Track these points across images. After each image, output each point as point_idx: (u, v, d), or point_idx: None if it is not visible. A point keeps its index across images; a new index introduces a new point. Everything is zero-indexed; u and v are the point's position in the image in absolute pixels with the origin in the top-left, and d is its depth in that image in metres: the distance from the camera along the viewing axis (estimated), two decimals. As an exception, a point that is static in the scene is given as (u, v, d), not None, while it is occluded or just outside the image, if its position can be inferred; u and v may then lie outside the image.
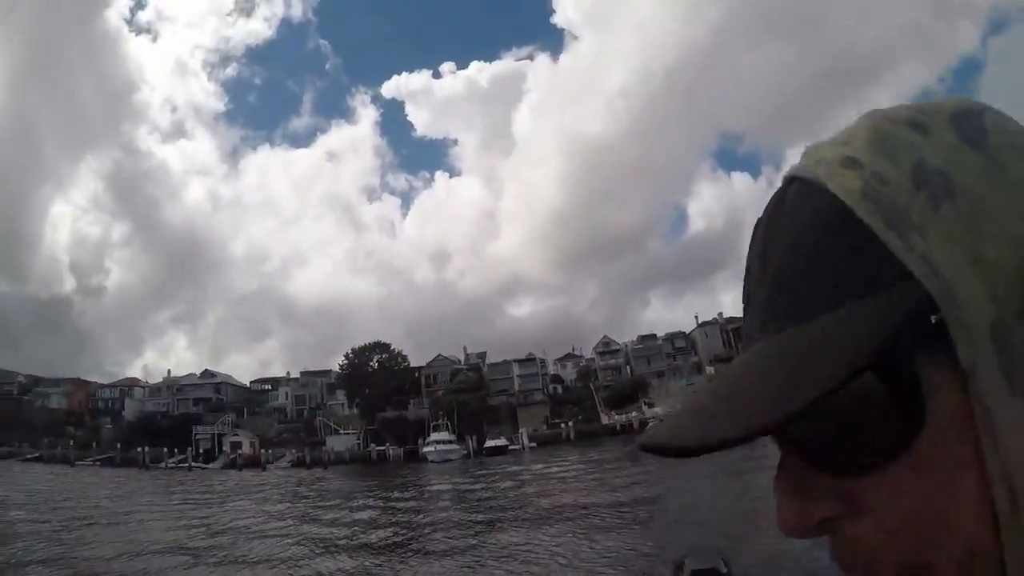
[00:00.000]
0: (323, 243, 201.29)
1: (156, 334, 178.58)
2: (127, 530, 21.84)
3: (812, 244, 0.42)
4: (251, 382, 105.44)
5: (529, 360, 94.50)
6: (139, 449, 74.98)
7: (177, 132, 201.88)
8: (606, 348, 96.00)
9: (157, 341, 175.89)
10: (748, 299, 0.48)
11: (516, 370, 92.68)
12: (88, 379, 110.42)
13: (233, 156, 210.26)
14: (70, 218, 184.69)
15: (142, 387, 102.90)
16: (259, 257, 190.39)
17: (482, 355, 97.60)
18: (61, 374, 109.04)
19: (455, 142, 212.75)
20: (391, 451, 68.85)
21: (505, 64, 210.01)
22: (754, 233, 0.49)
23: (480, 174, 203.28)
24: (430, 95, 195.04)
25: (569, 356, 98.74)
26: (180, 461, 72.32)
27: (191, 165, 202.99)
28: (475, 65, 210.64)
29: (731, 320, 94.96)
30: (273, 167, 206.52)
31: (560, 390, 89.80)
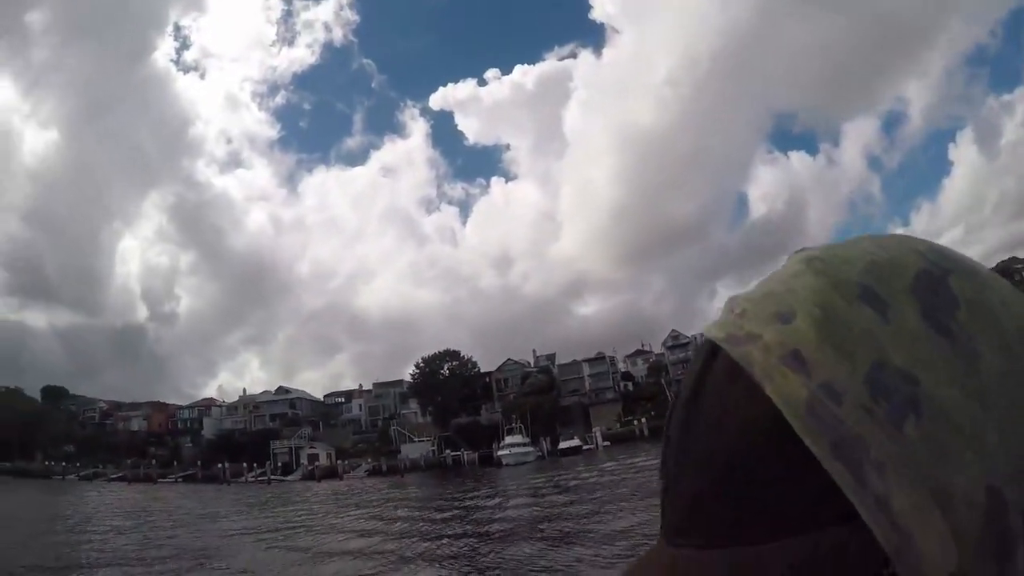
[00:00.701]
0: (386, 257, 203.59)
1: (229, 355, 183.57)
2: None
3: (743, 464, 0.36)
4: (325, 396, 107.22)
5: (599, 359, 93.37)
6: (219, 465, 76.90)
7: (234, 162, 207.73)
8: (675, 342, 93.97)
9: (230, 362, 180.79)
10: (668, 477, 0.41)
11: (586, 370, 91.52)
12: (167, 401, 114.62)
13: (291, 180, 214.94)
14: (139, 251, 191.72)
15: (219, 406, 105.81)
16: (325, 275, 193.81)
17: (551, 356, 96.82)
18: (140, 398, 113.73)
19: (507, 147, 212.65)
20: (465, 456, 68.86)
21: (549, 64, 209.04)
22: (672, 408, 0.42)
23: (535, 176, 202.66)
24: (478, 103, 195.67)
25: (639, 352, 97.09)
26: (260, 475, 73.80)
27: (251, 192, 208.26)
28: (519, 69, 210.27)
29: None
30: (331, 187, 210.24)
31: (631, 387, 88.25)
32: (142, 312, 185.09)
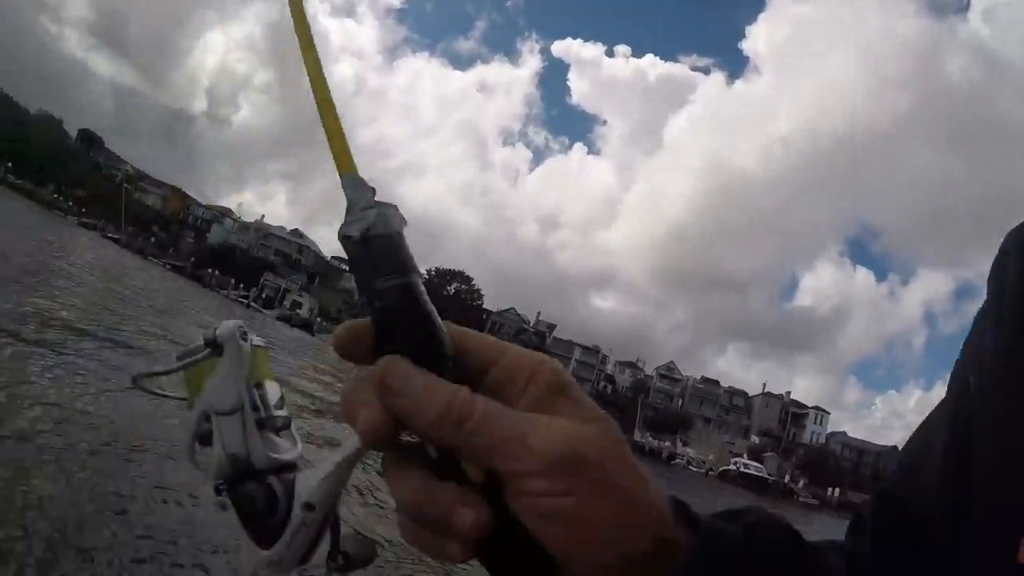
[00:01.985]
0: (445, 164, 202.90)
1: (261, 179, 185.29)
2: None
3: None
4: (332, 257, 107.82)
5: (592, 350, 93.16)
6: (209, 270, 78.08)
7: (346, 10, 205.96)
8: (668, 373, 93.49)
9: (260, 186, 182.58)
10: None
11: (576, 354, 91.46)
12: (188, 192, 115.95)
13: (391, 53, 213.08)
14: (222, 48, 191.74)
15: (233, 220, 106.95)
16: (382, 153, 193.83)
17: (552, 327, 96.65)
18: (165, 179, 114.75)
19: (604, 122, 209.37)
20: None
21: (679, 68, 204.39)
22: None
23: (616, 161, 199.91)
24: (597, 69, 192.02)
25: (631, 365, 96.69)
26: (242, 296, 74.80)
27: (349, 44, 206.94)
28: (649, 58, 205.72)
29: (795, 404, 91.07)
30: (425, 76, 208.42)
31: (609, 391, 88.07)
32: (200, 104, 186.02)
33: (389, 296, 0.38)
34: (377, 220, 0.39)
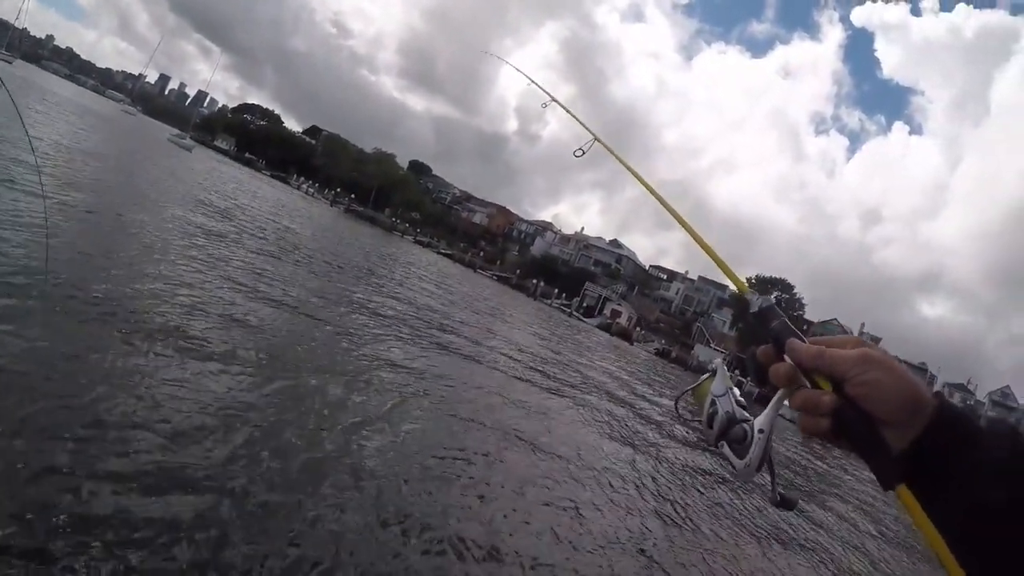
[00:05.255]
0: (757, 158, 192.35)
1: (574, 191, 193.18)
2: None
3: None
4: (650, 266, 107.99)
5: (919, 368, 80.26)
6: (533, 281, 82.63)
7: (635, 15, 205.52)
8: (1002, 400, 76.38)
9: (573, 197, 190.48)
10: None
11: (906, 373, 78.30)
12: (511, 209, 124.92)
13: (685, 49, 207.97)
14: (525, 69, 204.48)
15: (554, 232, 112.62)
16: (689, 151, 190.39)
17: (876, 340, 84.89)
18: (486, 198, 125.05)
19: (921, 93, 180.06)
20: (748, 387, 64.49)
21: (997, 16, 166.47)
22: None
23: (940, 137, 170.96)
24: (905, 32, 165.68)
25: (960, 387, 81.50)
26: (564, 305, 77.88)
27: (643, 48, 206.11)
28: (961, 9, 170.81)
29: None
30: (723, 67, 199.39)
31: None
32: (511, 125, 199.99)
33: (776, 329, 0.85)
34: (763, 302, 0.88)
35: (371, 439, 7.16)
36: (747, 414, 0.89)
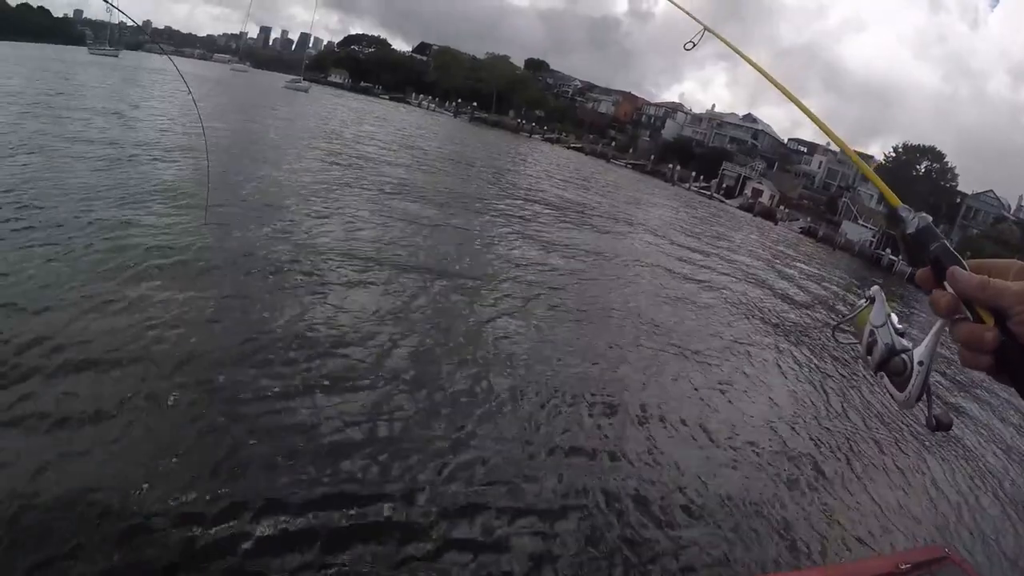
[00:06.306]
0: (888, 12, 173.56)
1: (696, 66, 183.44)
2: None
3: None
4: (788, 140, 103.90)
5: None
6: (669, 166, 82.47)
7: None
8: None
9: (696, 72, 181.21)
10: None
11: (1077, 252, 72.60)
12: (637, 94, 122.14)
13: None
14: None
15: (684, 113, 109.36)
16: (814, 11, 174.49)
17: (1040, 216, 78.37)
18: (608, 86, 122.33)
19: None
20: (899, 265, 62.51)
21: None
22: None
23: None
24: None
25: None
26: (703, 188, 77.63)
27: None
28: None
29: None
30: None
31: None
32: (621, 5, 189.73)
33: (936, 252, 0.82)
34: (920, 221, 0.84)
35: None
36: (906, 342, 0.88)
